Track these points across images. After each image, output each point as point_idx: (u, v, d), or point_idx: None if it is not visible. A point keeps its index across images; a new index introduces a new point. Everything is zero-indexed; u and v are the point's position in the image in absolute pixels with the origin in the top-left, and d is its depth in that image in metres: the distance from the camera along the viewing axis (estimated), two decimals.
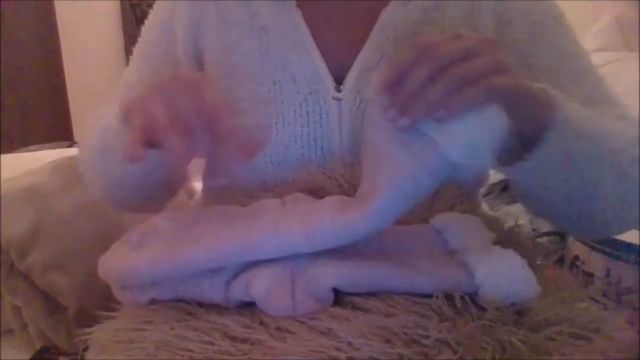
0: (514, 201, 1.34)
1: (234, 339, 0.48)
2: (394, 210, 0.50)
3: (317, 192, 0.61)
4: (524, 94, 0.52)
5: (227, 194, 0.67)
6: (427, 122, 0.48)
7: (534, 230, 1.28)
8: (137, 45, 0.78)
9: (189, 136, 0.48)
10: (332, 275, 0.50)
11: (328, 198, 0.56)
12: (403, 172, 0.49)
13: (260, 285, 0.50)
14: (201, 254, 0.52)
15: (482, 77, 0.47)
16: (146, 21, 0.78)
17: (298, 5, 0.69)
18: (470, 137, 0.47)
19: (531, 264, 0.52)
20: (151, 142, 0.50)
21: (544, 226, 1.28)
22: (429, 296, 0.49)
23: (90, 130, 0.72)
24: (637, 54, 1.75)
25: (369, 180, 0.52)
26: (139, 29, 0.79)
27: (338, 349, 0.44)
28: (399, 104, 0.48)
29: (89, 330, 0.56)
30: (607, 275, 1.22)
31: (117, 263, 0.56)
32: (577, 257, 1.29)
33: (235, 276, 0.53)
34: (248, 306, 0.52)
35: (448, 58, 0.47)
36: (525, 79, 0.53)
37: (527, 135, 0.54)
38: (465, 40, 0.49)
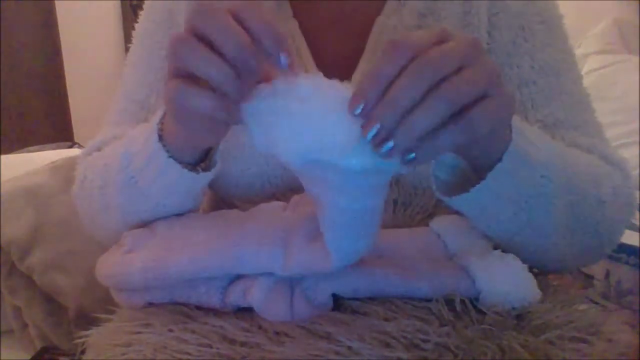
0: None
1: (232, 342, 0.47)
2: (352, 248, 0.47)
3: None
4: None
5: (228, 201, 0.66)
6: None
7: None
8: (132, 53, 0.72)
9: None
10: (331, 281, 0.49)
11: (308, 219, 0.51)
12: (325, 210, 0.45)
13: (259, 292, 0.50)
14: (186, 265, 0.51)
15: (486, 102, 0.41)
16: (137, 26, 0.72)
17: (295, 16, 0.67)
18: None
19: (531, 268, 0.52)
20: None
21: None
22: (429, 300, 0.49)
23: (96, 162, 0.63)
24: (637, 56, 1.75)
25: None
26: None
27: (337, 353, 0.44)
28: (383, 124, 0.39)
29: (87, 332, 0.56)
30: (607, 277, 1.22)
31: (111, 266, 0.56)
32: None
33: (232, 281, 0.52)
34: (246, 309, 0.52)
35: (444, 68, 0.40)
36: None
37: (473, 157, 0.50)
38: (456, 44, 0.41)
